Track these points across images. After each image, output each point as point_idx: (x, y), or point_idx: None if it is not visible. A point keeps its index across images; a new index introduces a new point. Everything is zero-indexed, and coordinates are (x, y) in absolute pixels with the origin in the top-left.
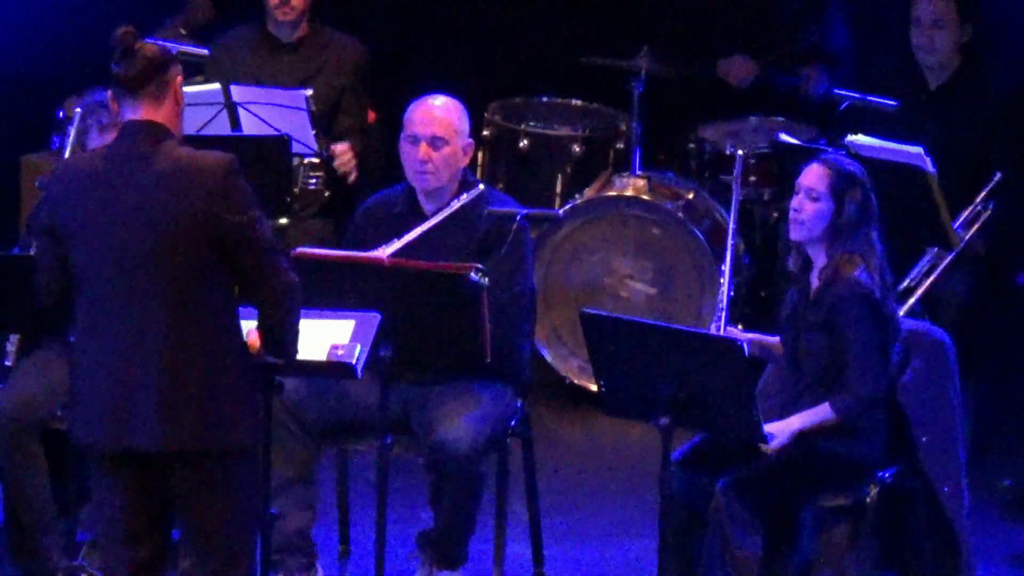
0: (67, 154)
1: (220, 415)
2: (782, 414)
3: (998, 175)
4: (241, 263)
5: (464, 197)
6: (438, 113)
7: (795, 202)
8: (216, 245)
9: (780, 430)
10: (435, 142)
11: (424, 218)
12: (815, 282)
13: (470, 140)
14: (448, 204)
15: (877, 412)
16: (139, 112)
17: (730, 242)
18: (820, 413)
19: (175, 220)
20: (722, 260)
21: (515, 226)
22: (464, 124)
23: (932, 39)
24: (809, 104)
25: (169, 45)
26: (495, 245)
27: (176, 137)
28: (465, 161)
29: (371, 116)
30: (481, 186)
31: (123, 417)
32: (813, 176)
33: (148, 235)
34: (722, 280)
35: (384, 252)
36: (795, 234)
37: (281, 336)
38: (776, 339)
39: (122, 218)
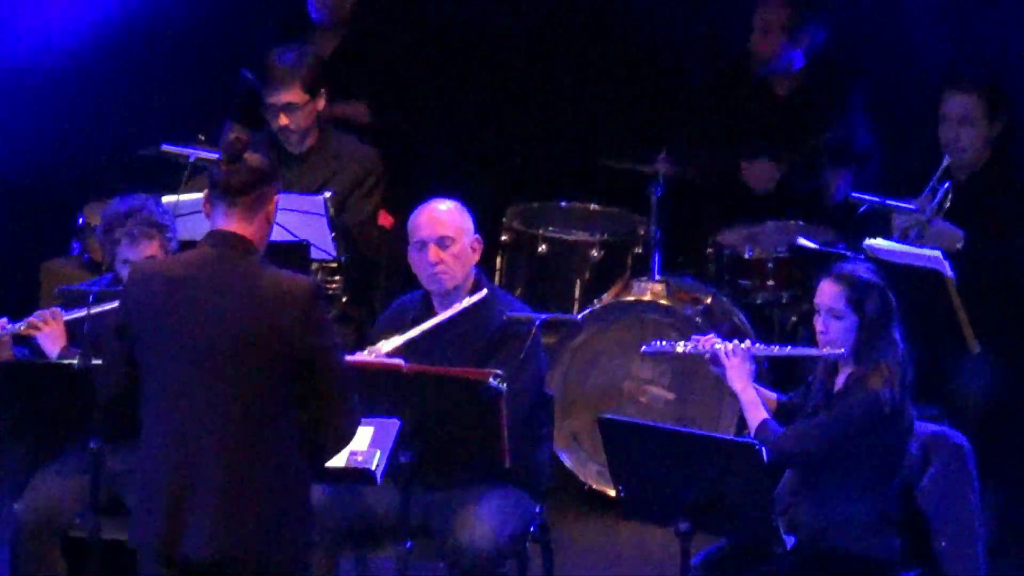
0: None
1: (275, 537)
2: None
3: None
4: (314, 389)
5: (467, 300)
6: (442, 214)
7: (819, 324)
8: (293, 367)
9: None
10: (443, 242)
11: (441, 326)
12: (839, 385)
13: (477, 236)
14: (459, 308)
15: (889, 511)
16: (231, 222)
17: None
18: (757, 416)
19: (256, 336)
20: None
21: (533, 331)
22: (468, 222)
23: (959, 136)
24: (828, 207)
25: (188, 151)
26: (506, 349)
27: (260, 253)
28: (475, 258)
29: (388, 221)
30: (485, 290)
31: (180, 525)
32: (830, 294)
33: (226, 347)
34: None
35: (383, 348)
36: (833, 356)
37: (321, 460)
38: (774, 395)
39: (201, 327)
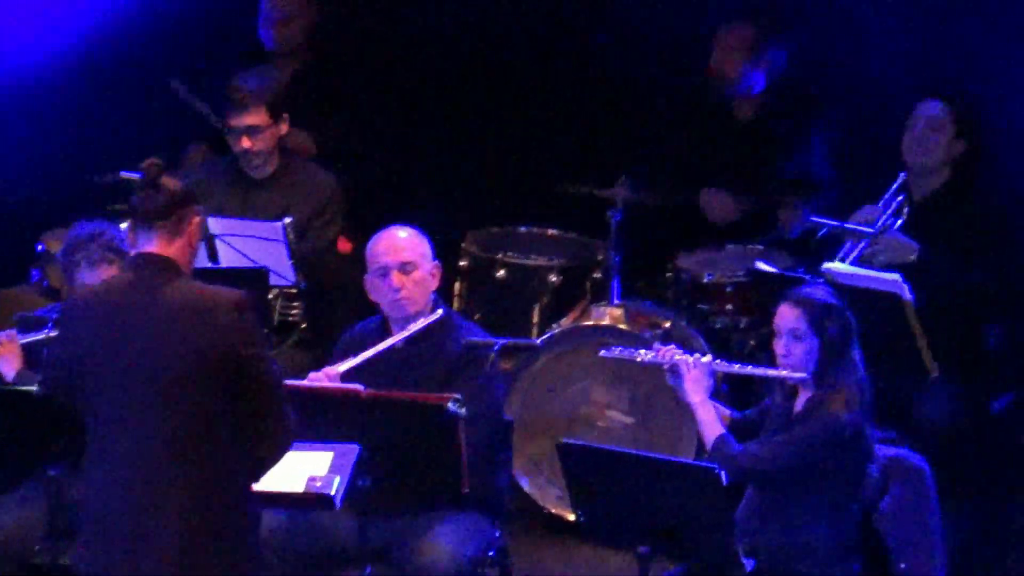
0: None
1: (230, 555)
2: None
3: None
4: (249, 400)
5: (423, 320)
6: (402, 240)
7: (780, 347)
8: (228, 380)
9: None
10: (405, 267)
11: (394, 348)
12: (799, 407)
13: (436, 262)
14: (413, 329)
15: (849, 535)
16: (152, 245)
17: None
18: (714, 430)
19: (190, 354)
20: None
21: (491, 356)
22: (427, 248)
23: (925, 140)
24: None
25: None
26: (465, 374)
27: (186, 274)
28: (435, 284)
29: (348, 247)
30: (440, 311)
31: (136, 549)
32: (790, 317)
33: (160, 367)
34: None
35: (339, 368)
36: (794, 379)
37: (258, 473)
38: (728, 411)
39: (133, 350)
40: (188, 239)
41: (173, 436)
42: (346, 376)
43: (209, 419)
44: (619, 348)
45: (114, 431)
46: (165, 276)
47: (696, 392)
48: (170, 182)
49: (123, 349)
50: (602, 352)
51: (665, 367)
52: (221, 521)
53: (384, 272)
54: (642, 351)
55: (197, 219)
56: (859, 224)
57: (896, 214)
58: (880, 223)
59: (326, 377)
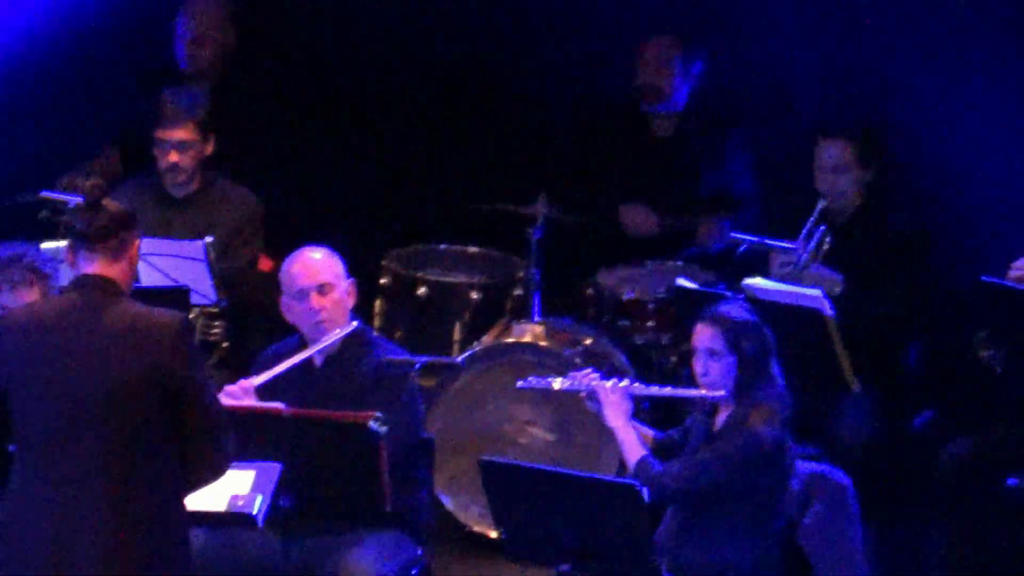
0: None
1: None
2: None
3: None
4: (186, 422)
5: (337, 331)
6: (318, 262)
7: (699, 366)
8: (166, 401)
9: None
10: (323, 289)
11: (313, 368)
12: (720, 424)
13: (351, 279)
14: (328, 342)
15: (771, 551)
16: (94, 266)
17: None
18: (636, 452)
19: (128, 374)
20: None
21: (411, 374)
22: (341, 267)
23: (833, 183)
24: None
25: (68, 198)
26: (385, 392)
27: (127, 295)
28: (352, 302)
29: (269, 265)
30: (355, 323)
31: (59, 572)
32: (707, 336)
33: (99, 388)
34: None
35: (252, 382)
36: (713, 397)
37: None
38: (651, 432)
39: (72, 370)
40: (130, 261)
41: (104, 458)
42: (261, 390)
43: (143, 442)
44: (535, 378)
45: (43, 450)
46: (107, 298)
47: (616, 416)
48: (111, 204)
49: (60, 369)
50: (519, 384)
51: (583, 394)
52: (149, 546)
53: (303, 295)
54: (558, 379)
55: (138, 241)
56: (780, 241)
57: (818, 247)
58: (802, 258)
59: (241, 389)
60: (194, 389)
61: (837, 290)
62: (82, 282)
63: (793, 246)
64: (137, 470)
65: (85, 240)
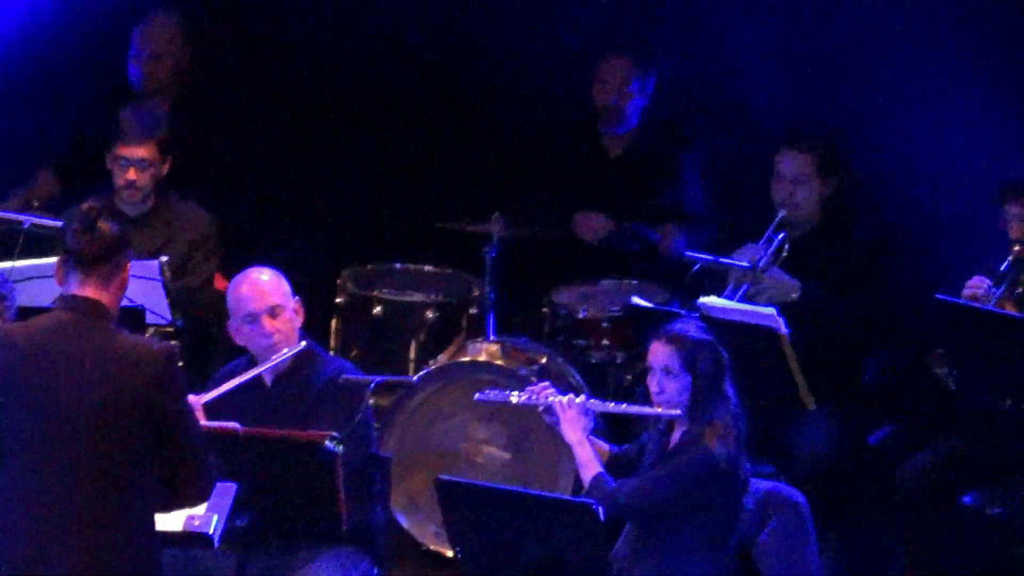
0: None
1: None
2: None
3: None
4: (169, 449)
5: (287, 351)
6: (266, 284)
7: (654, 384)
8: (145, 430)
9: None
10: (274, 311)
11: (264, 387)
12: (675, 442)
13: (297, 298)
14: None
15: (726, 569)
16: (86, 289)
17: None
18: (592, 468)
19: (113, 401)
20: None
21: (367, 393)
22: (288, 287)
23: (792, 193)
24: (663, 265)
25: (22, 218)
26: (340, 410)
27: (114, 319)
28: (300, 320)
29: (223, 283)
30: (303, 342)
31: None
32: (662, 354)
33: (81, 411)
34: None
35: (200, 400)
36: (668, 415)
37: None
38: (607, 446)
39: (56, 391)
40: (121, 283)
41: (80, 479)
42: (212, 408)
43: (120, 467)
44: (493, 391)
45: (21, 466)
46: (97, 321)
47: (573, 432)
48: (106, 226)
49: (45, 388)
50: (476, 396)
51: (540, 408)
52: (120, 569)
53: (254, 319)
54: (516, 393)
55: (129, 264)
56: (734, 259)
57: (777, 252)
58: (761, 261)
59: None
60: (176, 419)
61: (795, 296)
62: (72, 304)
63: (747, 264)
64: (112, 493)
65: (79, 263)
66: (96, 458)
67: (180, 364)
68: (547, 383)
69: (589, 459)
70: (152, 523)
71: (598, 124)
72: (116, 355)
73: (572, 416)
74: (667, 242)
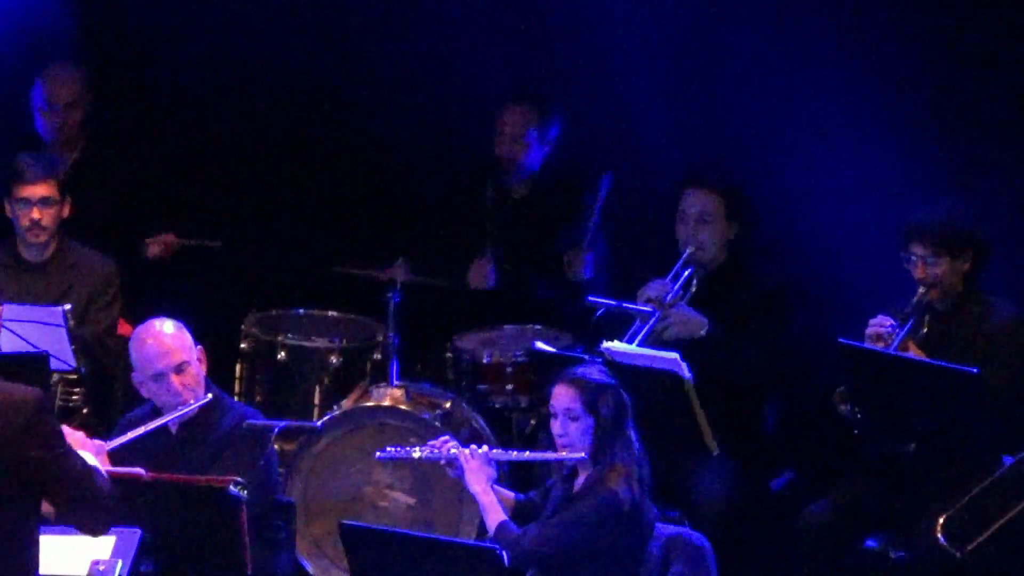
0: None
1: None
2: None
3: None
4: (52, 496)
5: (192, 403)
6: (169, 340)
7: (557, 428)
8: (20, 479)
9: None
10: (181, 368)
11: (169, 433)
12: (578, 486)
13: (200, 346)
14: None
15: None
16: None
17: None
18: (496, 516)
19: None
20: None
21: (270, 437)
22: (188, 336)
23: (697, 232)
24: (568, 309)
25: None
26: (243, 456)
27: None
28: (204, 369)
29: (127, 329)
30: (209, 395)
31: None
32: (565, 398)
33: None
34: None
35: (105, 447)
36: (572, 459)
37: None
38: (512, 494)
39: None
40: None
41: None
42: (114, 453)
43: (5, 518)
44: (395, 447)
45: None
46: None
47: (477, 482)
48: None
49: None
50: (377, 454)
51: (443, 462)
52: None
53: (161, 378)
54: (417, 449)
55: (1, 309)
56: (637, 304)
57: (685, 287)
58: (668, 296)
59: (94, 448)
60: (54, 463)
61: (702, 332)
62: None
63: (650, 309)
64: None
65: None
66: None
67: (52, 408)
68: (447, 436)
69: (493, 507)
70: (34, 569)
71: (499, 171)
72: None
73: (475, 467)
74: (573, 268)
